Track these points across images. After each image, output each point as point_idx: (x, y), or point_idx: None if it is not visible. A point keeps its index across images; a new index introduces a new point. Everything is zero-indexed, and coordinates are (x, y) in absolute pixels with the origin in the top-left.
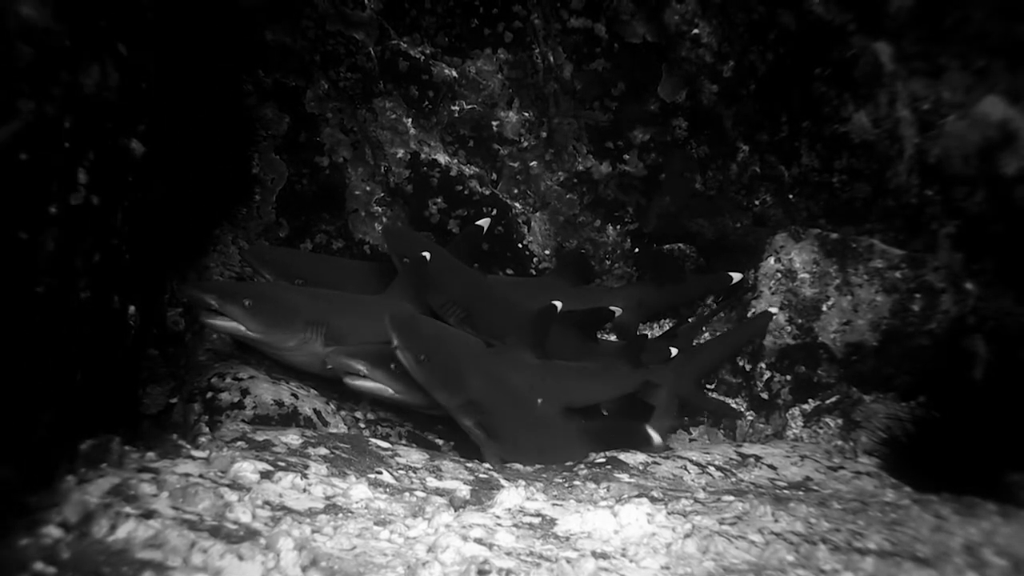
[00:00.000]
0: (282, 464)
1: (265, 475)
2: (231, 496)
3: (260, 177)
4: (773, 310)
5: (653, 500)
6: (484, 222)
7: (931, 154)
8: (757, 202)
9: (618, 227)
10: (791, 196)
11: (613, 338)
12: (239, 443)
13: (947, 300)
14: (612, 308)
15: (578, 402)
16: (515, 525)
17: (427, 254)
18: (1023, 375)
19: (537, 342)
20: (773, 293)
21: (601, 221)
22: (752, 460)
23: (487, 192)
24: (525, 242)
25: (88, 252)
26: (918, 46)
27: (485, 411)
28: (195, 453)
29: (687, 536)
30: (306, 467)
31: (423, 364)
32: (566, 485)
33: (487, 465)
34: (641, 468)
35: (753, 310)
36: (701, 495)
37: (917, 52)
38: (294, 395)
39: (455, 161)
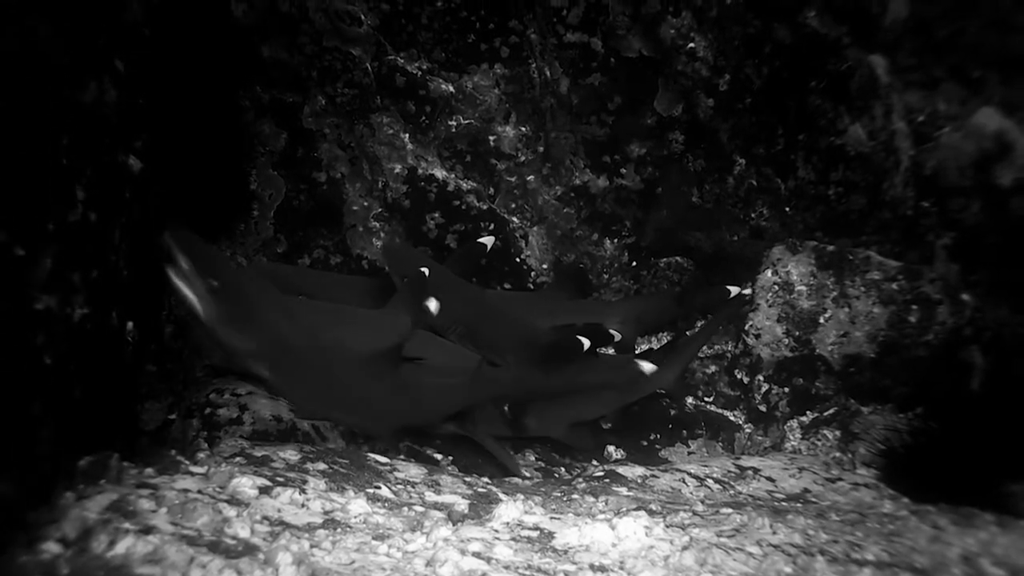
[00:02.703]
0: (280, 479)
1: (263, 490)
2: (230, 511)
3: (258, 193)
4: (747, 292)
5: (651, 513)
6: (488, 240)
7: (927, 166)
8: (754, 215)
9: (615, 241)
10: (788, 209)
11: (611, 351)
12: (237, 458)
13: (944, 311)
14: (611, 332)
15: (584, 416)
16: (513, 539)
17: (425, 269)
18: (1020, 385)
19: (546, 365)
20: (770, 306)
21: (598, 235)
22: (750, 472)
23: (484, 207)
24: (523, 256)
25: (86, 268)
26: (913, 58)
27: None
28: (193, 469)
29: (685, 548)
30: (304, 482)
31: (216, 293)
32: (564, 499)
33: (486, 479)
34: (640, 482)
35: (750, 323)
36: (699, 508)
37: (912, 64)
38: (292, 411)
39: (452, 176)
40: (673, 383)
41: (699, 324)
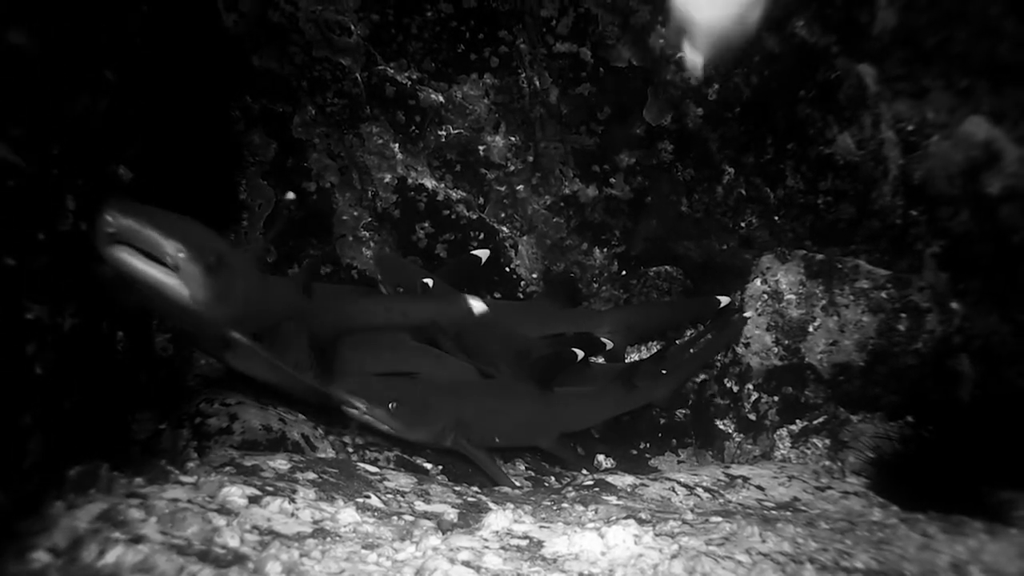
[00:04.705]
0: (270, 489)
1: (253, 500)
2: (219, 521)
3: (247, 202)
4: (748, 314)
5: (641, 521)
6: (482, 253)
7: (915, 175)
8: (743, 224)
9: (605, 250)
10: (777, 218)
11: (601, 360)
12: (227, 468)
13: (933, 320)
14: (603, 340)
15: (578, 426)
16: (503, 547)
17: (429, 281)
18: (1010, 393)
19: (544, 377)
20: (760, 314)
21: (588, 244)
22: (740, 481)
23: (474, 216)
24: (513, 266)
25: (77, 278)
26: (902, 67)
27: None
28: (183, 478)
29: (674, 557)
30: (294, 492)
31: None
32: (554, 507)
33: (475, 488)
34: (629, 490)
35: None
36: (689, 516)
37: (901, 73)
38: (282, 420)
39: (442, 186)
40: (667, 398)
41: (689, 334)
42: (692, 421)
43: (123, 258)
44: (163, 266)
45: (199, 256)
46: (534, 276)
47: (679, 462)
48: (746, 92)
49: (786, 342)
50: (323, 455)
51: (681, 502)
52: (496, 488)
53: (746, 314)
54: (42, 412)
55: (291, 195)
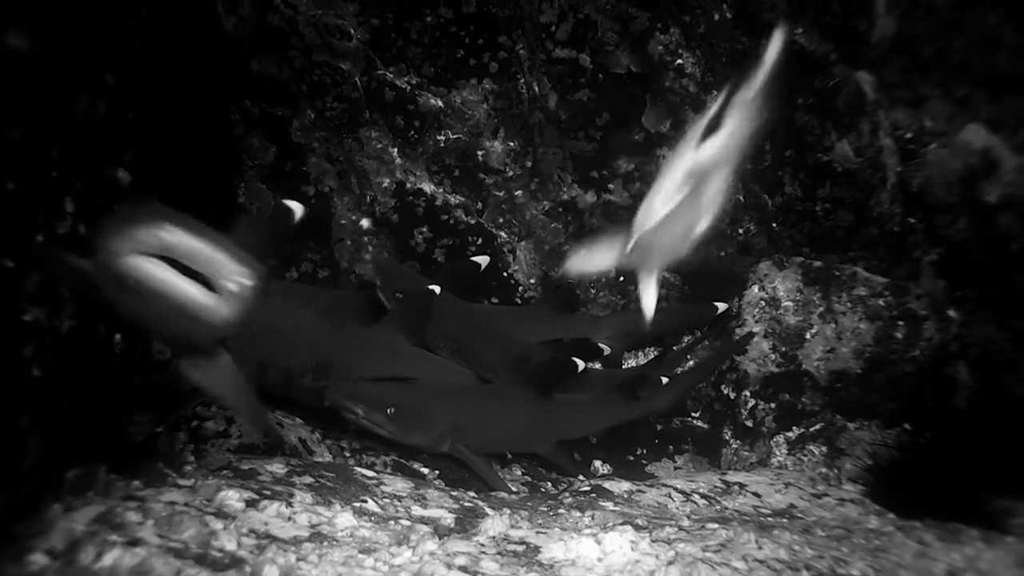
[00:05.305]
0: (267, 492)
1: (250, 503)
2: (216, 524)
3: (246, 206)
4: (755, 329)
5: (637, 528)
6: (482, 260)
7: (913, 182)
8: (741, 231)
9: None
10: (775, 225)
11: (598, 366)
12: (224, 472)
13: (930, 327)
14: (601, 345)
15: (576, 434)
16: (499, 553)
17: (436, 287)
18: (1008, 401)
19: (542, 384)
20: (757, 321)
21: None
22: (736, 488)
23: (472, 221)
24: (510, 271)
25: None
26: (900, 75)
27: None
28: (180, 481)
29: (670, 563)
30: (291, 495)
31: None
32: (551, 513)
33: (472, 493)
34: (626, 496)
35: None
36: (685, 523)
37: (899, 81)
38: (279, 424)
39: (440, 190)
40: (667, 408)
41: (686, 339)
42: (710, 429)
43: (160, 274)
44: (200, 283)
45: (256, 283)
46: (532, 281)
47: (676, 468)
48: None
49: (783, 349)
50: (320, 459)
51: (678, 508)
52: (493, 493)
53: (753, 329)
54: (41, 414)
55: (301, 207)
